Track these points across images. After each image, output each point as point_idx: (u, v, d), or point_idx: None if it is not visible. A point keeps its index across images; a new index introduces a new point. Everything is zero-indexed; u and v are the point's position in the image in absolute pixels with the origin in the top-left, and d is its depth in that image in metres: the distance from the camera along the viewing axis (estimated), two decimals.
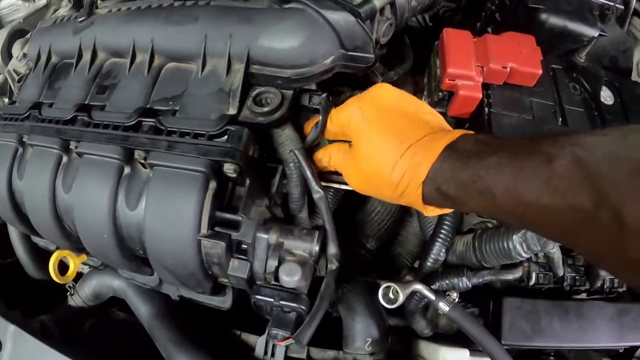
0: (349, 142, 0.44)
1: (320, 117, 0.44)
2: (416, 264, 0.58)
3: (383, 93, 0.42)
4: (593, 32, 0.59)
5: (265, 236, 0.42)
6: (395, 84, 0.45)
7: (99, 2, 0.59)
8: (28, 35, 0.70)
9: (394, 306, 0.43)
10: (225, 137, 0.42)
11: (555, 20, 0.58)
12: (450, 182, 0.33)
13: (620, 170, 0.24)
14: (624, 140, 0.25)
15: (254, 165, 0.44)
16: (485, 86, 0.50)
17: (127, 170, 0.45)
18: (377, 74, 0.52)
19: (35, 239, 0.64)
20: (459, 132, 0.36)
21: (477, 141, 0.34)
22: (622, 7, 0.65)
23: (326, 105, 0.44)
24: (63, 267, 0.58)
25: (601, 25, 0.60)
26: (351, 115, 0.41)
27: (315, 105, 0.46)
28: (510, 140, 0.32)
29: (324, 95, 0.45)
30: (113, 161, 0.45)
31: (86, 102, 0.52)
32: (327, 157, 0.45)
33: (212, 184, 0.41)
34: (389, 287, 0.43)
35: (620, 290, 0.52)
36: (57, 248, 0.59)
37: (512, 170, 0.29)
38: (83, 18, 0.56)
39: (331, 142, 0.47)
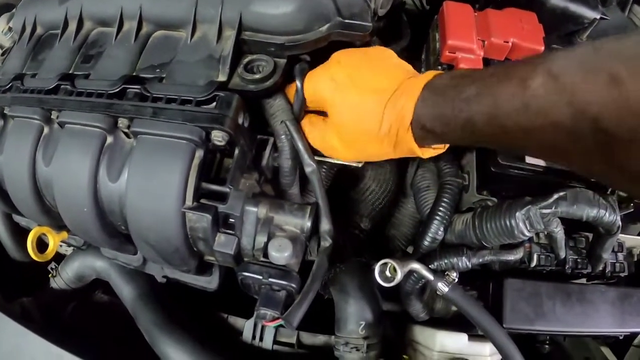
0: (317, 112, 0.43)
1: (297, 83, 0.42)
2: (410, 249, 0.56)
3: (346, 55, 0.41)
4: (594, 15, 0.57)
5: (254, 209, 0.40)
6: None
7: None
8: (14, 10, 0.68)
9: (391, 285, 0.41)
10: (214, 103, 0.40)
11: (556, 1, 0.57)
12: (434, 119, 0.34)
13: (595, 81, 0.24)
14: (597, 51, 0.25)
15: (244, 135, 0.41)
16: (486, 62, 0.49)
17: (109, 140, 0.43)
18: None
19: (16, 218, 0.61)
20: (433, 73, 0.36)
21: (453, 76, 0.34)
22: None
23: (301, 69, 0.42)
24: (44, 247, 0.56)
25: (602, 9, 0.59)
26: (321, 84, 0.40)
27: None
28: (486, 69, 0.33)
29: (301, 61, 0.43)
30: (95, 130, 0.43)
31: (70, 72, 0.50)
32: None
33: (199, 153, 0.39)
34: (386, 264, 0.41)
35: (622, 274, 0.51)
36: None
37: (490, 99, 0.29)
38: None
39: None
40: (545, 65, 0.27)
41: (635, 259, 0.58)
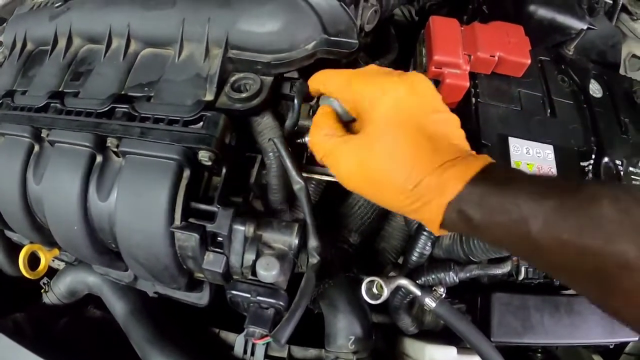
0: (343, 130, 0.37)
1: (295, 102, 0.42)
2: (401, 260, 0.56)
3: (423, 85, 0.34)
4: (581, 25, 0.58)
5: (242, 228, 0.40)
6: None
7: None
8: (5, 24, 0.68)
9: (377, 302, 0.41)
10: (201, 123, 0.40)
11: (543, 12, 0.57)
12: (478, 206, 0.29)
13: None
14: None
15: (231, 154, 0.42)
16: (473, 76, 0.49)
17: (99, 159, 0.43)
18: (362, 63, 0.50)
19: (8, 233, 0.61)
20: (489, 159, 0.32)
21: (509, 169, 0.31)
22: (611, 1, 0.65)
23: (301, 89, 0.42)
24: (37, 262, 0.56)
25: (589, 19, 0.60)
26: (379, 97, 0.33)
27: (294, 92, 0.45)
28: (548, 177, 0.30)
29: (301, 80, 0.43)
30: (84, 149, 0.43)
31: (60, 89, 0.50)
32: (319, 125, 0.37)
33: (186, 173, 0.40)
34: (372, 281, 0.42)
35: None
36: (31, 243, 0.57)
37: (554, 204, 0.26)
38: (59, 4, 0.54)
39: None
40: (617, 191, 0.25)
41: None
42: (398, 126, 0.33)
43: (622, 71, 0.70)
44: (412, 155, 0.32)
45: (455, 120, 0.35)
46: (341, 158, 0.35)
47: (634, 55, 0.74)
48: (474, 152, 0.33)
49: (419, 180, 0.31)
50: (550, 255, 0.27)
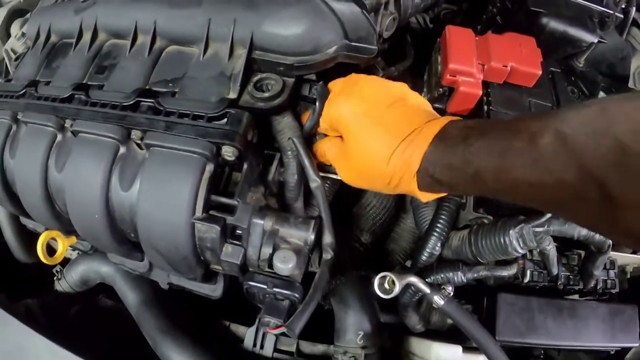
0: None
1: (317, 105, 0.43)
2: (408, 263, 0.57)
3: (368, 85, 0.42)
4: (592, 38, 0.60)
5: (261, 222, 0.42)
6: (394, 80, 0.45)
7: None
8: (28, 15, 0.70)
9: (389, 296, 0.42)
10: (225, 119, 0.42)
11: (555, 25, 0.59)
12: (442, 169, 0.34)
13: (603, 145, 0.24)
14: (605, 114, 0.25)
15: (252, 151, 0.43)
16: (485, 84, 0.51)
17: (122, 150, 0.45)
18: (379, 69, 0.52)
19: (24, 220, 0.62)
20: (445, 119, 0.37)
21: (464, 126, 0.35)
22: (622, 16, 0.67)
23: (322, 92, 0.44)
24: (50, 250, 0.57)
25: (600, 32, 0.62)
26: (340, 111, 0.41)
27: (314, 95, 0.46)
28: (495, 122, 0.34)
29: (321, 83, 0.45)
30: (109, 140, 0.44)
31: (84, 82, 0.51)
32: (322, 151, 0.46)
33: (209, 167, 0.41)
34: (384, 277, 0.43)
35: (613, 291, 0.52)
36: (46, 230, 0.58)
37: (498, 153, 0.30)
38: None
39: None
40: (555, 124, 0.27)
41: (629, 275, 0.60)
42: (359, 127, 0.39)
43: (631, 84, 0.71)
44: (375, 144, 0.38)
45: (407, 90, 0.41)
46: (339, 164, 0.43)
47: None
48: (431, 111, 0.40)
49: (387, 162, 0.37)
50: (509, 196, 0.31)
